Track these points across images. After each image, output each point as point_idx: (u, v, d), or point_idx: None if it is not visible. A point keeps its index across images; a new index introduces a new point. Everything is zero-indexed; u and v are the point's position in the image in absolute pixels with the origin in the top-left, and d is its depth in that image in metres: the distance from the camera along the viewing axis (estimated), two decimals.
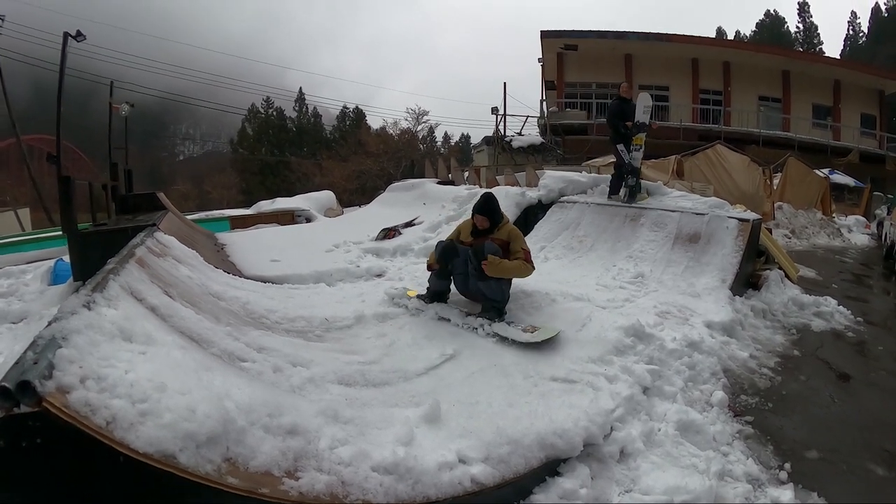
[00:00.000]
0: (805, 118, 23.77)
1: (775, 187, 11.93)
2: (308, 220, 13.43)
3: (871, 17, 48.21)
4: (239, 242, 7.95)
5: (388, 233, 7.92)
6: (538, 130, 23.30)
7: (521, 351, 3.26)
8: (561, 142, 21.91)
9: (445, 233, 7.88)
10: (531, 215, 7.60)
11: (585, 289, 4.64)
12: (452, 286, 4.11)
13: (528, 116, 23.38)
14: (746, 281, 5.38)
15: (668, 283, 5.11)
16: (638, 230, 6.18)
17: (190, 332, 2.59)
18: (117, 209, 8.20)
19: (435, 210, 9.24)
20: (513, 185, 9.55)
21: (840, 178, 17.55)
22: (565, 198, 7.59)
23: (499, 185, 10.17)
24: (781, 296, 5.26)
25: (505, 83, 22.65)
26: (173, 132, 60.26)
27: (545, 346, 3.33)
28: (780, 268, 5.85)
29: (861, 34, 49.19)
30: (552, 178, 8.26)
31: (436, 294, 4.04)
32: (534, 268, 4.00)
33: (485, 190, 4.24)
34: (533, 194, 7.94)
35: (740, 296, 5.03)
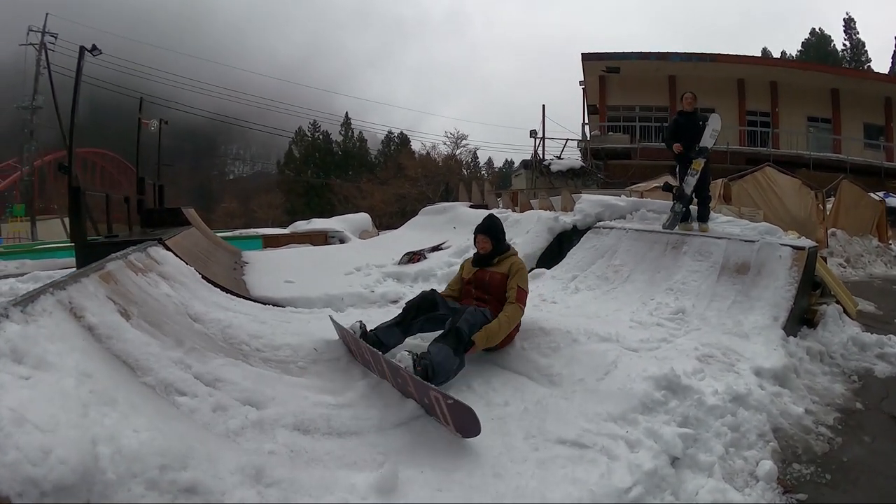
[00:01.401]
0: (856, 139, 22.36)
1: (828, 212, 10.99)
2: (342, 241, 13.39)
3: None
4: (262, 261, 7.82)
5: (413, 257, 7.58)
6: (579, 155, 22.71)
7: (528, 405, 2.74)
8: (603, 166, 21.22)
9: None
10: (565, 241, 7.14)
11: (617, 326, 4.03)
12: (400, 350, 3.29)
13: (567, 139, 22.82)
14: (800, 317, 4.66)
15: (713, 321, 4.45)
16: (680, 259, 5.53)
17: (126, 356, 2.24)
18: (142, 222, 8.28)
19: (464, 234, 8.87)
20: (547, 210, 9.08)
21: None
22: (602, 223, 7.02)
23: (533, 208, 9.73)
24: (840, 335, 4.51)
25: (543, 106, 22.32)
26: (224, 152, 62.69)
27: (557, 396, 2.79)
28: (838, 301, 5.09)
29: None
30: (588, 201, 7.75)
31: (377, 343, 3.27)
32: (522, 311, 3.47)
33: (489, 211, 3.79)
34: (567, 219, 7.49)
35: (794, 335, 4.31)
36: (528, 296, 3.58)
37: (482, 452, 2.22)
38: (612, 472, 2.15)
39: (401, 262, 7.32)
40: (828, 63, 36.34)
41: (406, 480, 1.92)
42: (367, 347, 2.99)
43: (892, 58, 46.24)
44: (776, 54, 47.25)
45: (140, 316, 2.77)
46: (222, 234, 12.28)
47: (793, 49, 50.20)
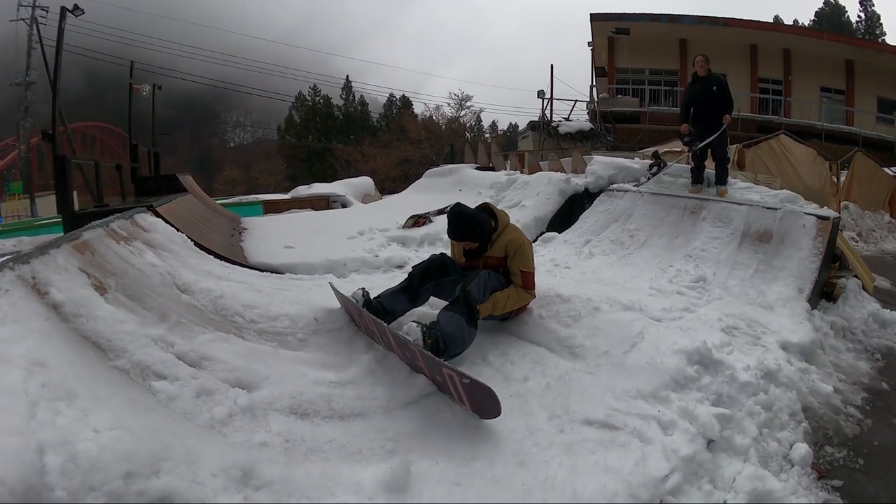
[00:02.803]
0: (870, 112, 21.68)
1: (841, 184, 10.74)
2: (344, 205, 13.15)
3: None
4: (261, 227, 7.58)
5: (418, 220, 7.30)
6: (587, 117, 22.07)
7: (549, 380, 2.49)
8: (612, 129, 20.63)
9: None
10: (576, 204, 6.88)
11: (637, 293, 3.79)
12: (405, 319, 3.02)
13: (576, 101, 22.11)
14: (820, 290, 4.47)
15: (735, 291, 4.24)
16: (699, 225, 5.29)
17: (97, 336, 1.99)
18: (137, 191, 7.99)
19: (471, 197, 8.58)
20: (557, 171, 8.76)
21: None
22: (615, 186, 6.76)
23: (542, 170, 9.41)
24: (861, 310, 4.33)
25: (552, 65, 21.55)
26: (224, 120, 61.67)
27: (580, 371, 2.54)
28: (856, 276, 4.87)
29: None
30: (601, 163, 7.48)
31: (382, 311, 3.00)
32: (533, 296, 3.13)
33: (454, 203, 3.19)
34: (579, 181, 7.22)
35: (815, 308, 4.13)
36: (541, 260, 3.26)
37: (503, 436, 1.98)
38: (648, 459, 1.93)
39: (405, 226, 7.06)
40: (842, 34, 35.14)
41: (419, 474, 1.68)
42: (371, 318, 2.73)
43: None
44: (788, 22, 45.81)
45: (118, 289, 2.50)
46: (221, 201, 12.01)
47: (805, 18, 48.58)
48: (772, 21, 42.38)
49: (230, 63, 43.58)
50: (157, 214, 4.56)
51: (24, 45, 23.91)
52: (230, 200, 14.54)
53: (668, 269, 4.70)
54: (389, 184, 26.88)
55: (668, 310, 3.50)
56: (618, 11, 22.00)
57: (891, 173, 12.29)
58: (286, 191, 19.75)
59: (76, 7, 6.10)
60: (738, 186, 6.25)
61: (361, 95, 50.41)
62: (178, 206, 5.84)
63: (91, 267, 2.55)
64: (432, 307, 3.21)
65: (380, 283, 4.03)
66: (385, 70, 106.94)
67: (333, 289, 3.39)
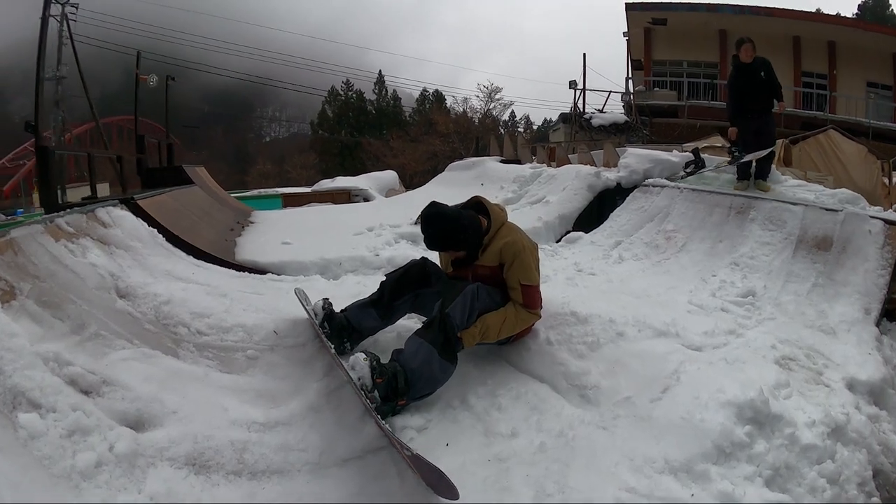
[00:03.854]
0: None
1: (892, 186, 9.83)
2: (366, 199, 12.89)
3: None
4: (270, 221, 7.28)
5: None
6: (622, 110, 21.15)
7: (546, 438, 1.87)
8: (648, 123, 19.67)
9: None
10: (607, 201, 6.29)
11: (673, 310, 3.11)
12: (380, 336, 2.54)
13: (610, 92, 21.23)
14: (885, 309, 3.74)
15: (790, 309, 3.51)
16: (746, 227, 4.55)
17: None
18: (143, 182, 7.83)
19: (492, 191, 8.11)
20: (587, 165, 8.15)
21: None
22: (651, 181, 6.06)
23: (571, 164, 8.80)
24: None
25: (584, 54, 20.73)
26: (260, 114, 62.56)
27: (591, 424, 1.92)
28: None
29: None
30: (635, 156, 6.81)
31: (347, 328, 2.46)
32: (538, 316, 2.46)
33: (430, 202, 2.46)
34: (610, 175, 6.59)
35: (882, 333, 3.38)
36: (563, 264, 2.64)
37: None
38: None
39: (417, 222, 6.56)
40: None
41: None
42: (324, 339, 2.19)
43: None
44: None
45: (32, 295, 2.07)
46: (239, 194, 11.77)
47: (848, 11, 46.46)
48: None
49: (265, 58, 44.15)
50: (135, 207, 4.18)
51: (54, 40, 24.74)
52: (247, 193, 14.37)
53: (711, 280, 4.01)
54: (419, 178, 26.40)
55: (710, 333, 2.81)
56: (654, 1, 20.97)
57: None
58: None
59: None
60: (790, 184, 5.58)
61: (394, 90, 50.23)
62: (171, 199, 5.52)
63: (7, 269, 2.13)
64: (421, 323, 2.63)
65: (373, 287, 3.51)
66: (418, 64, 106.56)
67: (298, 296, 2.88)
